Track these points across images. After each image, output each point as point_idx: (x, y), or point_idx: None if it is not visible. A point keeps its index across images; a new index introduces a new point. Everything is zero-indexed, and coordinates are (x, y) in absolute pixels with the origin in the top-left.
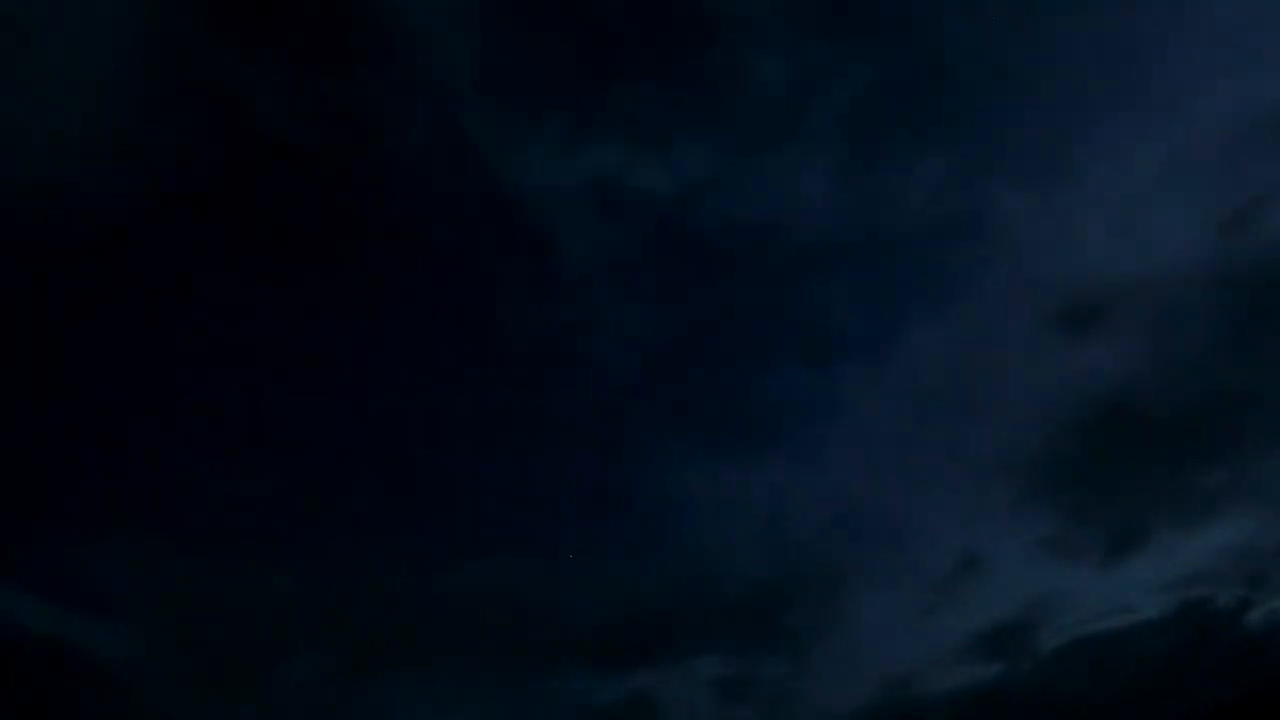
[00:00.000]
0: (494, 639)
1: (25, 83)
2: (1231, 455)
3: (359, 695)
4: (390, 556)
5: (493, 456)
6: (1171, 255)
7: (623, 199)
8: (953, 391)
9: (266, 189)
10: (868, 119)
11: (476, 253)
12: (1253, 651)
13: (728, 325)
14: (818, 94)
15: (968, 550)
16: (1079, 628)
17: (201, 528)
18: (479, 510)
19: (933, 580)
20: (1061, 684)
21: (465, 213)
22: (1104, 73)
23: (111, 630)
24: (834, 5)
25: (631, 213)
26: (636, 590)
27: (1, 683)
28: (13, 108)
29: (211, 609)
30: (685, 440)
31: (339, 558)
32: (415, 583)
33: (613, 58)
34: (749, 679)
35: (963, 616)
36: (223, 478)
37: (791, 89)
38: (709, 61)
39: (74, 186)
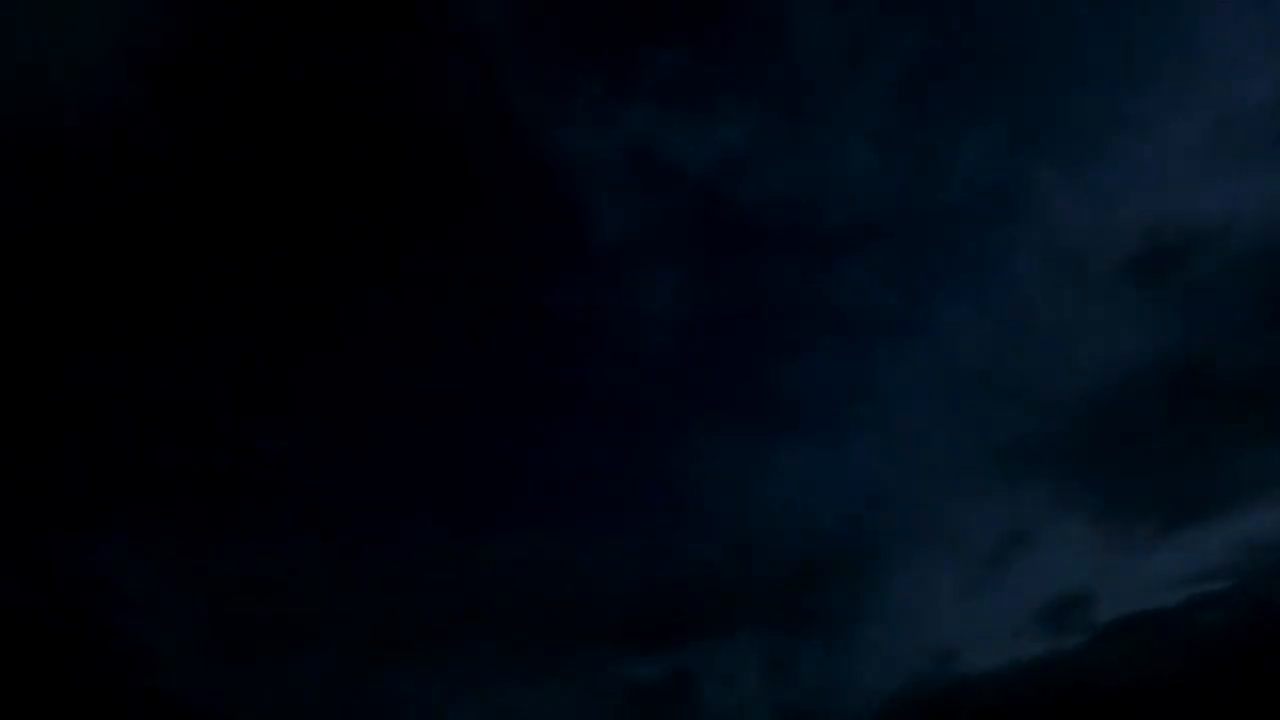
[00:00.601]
0: (530, 618)
1: None
2: None
3: (397, 672)
4: (426, 534)
5: (524, 431)
6: (1214, 226)
7: (659, 169)
8: (993, 368)
9: (295, 154)
10: (915, 90)
11: (513, 220)
12: None
13: (763, 302)
14: (866, 63)
15: (1013, 527)
16: (1131, 604)
17: (234, 508)
18: (512, 488)
19: (977, 557)
20: (1113, 661)
21: (502, 179)
22: (1147, 50)
23: (141, 613)
24: None
25: (668, 184)
26: (676, 570)
27: (31, 665)
28: None
29: (245, 591)
30: (721, 419)
31: (374, 536)
32: (450, 561)
33: (653, 19)
34: (789, 658)
35: (1008, 594)
36: (252, 454)
37: (839, 57)
38: (753, 26)
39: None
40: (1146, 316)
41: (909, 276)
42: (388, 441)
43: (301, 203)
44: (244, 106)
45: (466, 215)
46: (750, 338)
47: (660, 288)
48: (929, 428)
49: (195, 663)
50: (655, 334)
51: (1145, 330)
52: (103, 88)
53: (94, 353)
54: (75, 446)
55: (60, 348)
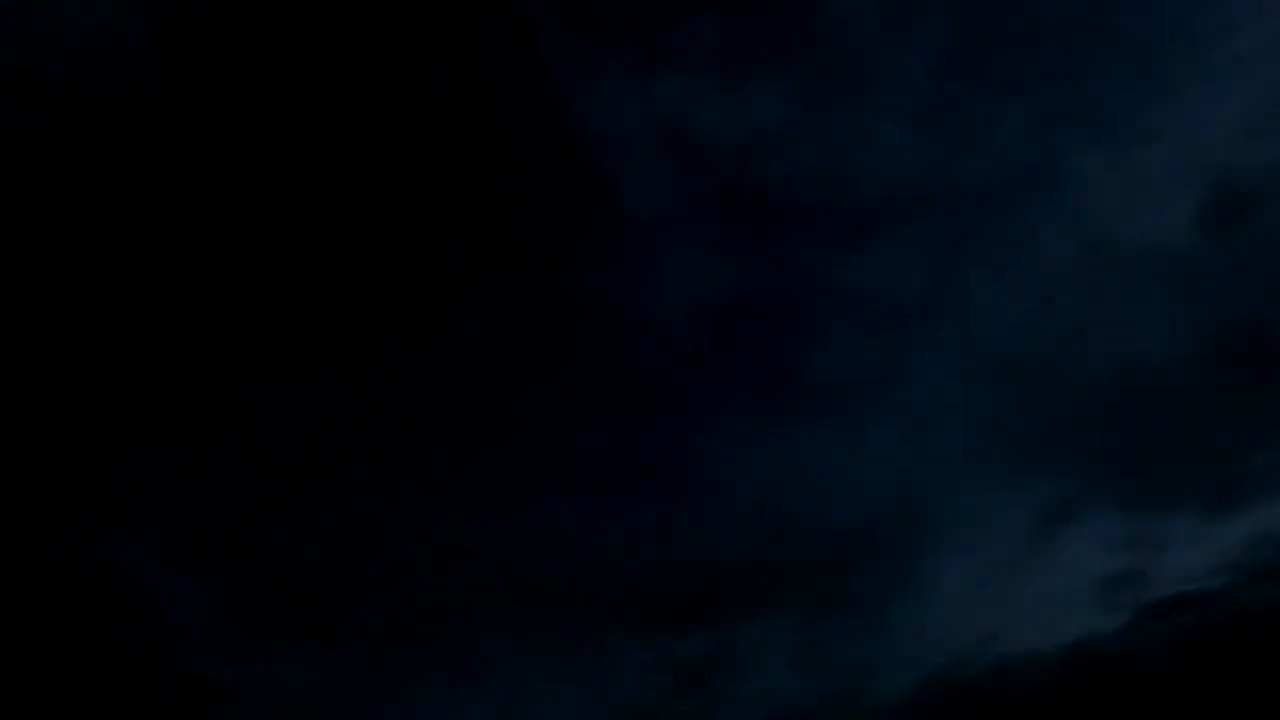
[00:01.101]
0: (557, 598)
1: None
2: None
3: (427, 649)
4: (455, 513)
5: (551, 410)
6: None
7: (691, 143)
8: (1026, 349)
9: (322, 121)
10: (956, 64)
11: (540, 194)
12: None
13: (793, 283)
14: (903, 37)
15: (1050, 508)
16: (1176, 585)
17: (259, 474)
18: (538, 467)
19: (1013, 540)
20: (1155, 642)
21: (532, 150)
22: (1187, 30)
23: (172, 583)
24: None
25: (699, 159)
26: (709, 551)
27: (60, 625)
28: None
29: (271, 561)
30: (750, 400)
31: (401, 514)
32: (478, 540)
33: None
34: (827, 638)
35: (1046, 575)
36: (270, 436)
37: (875, 31)
38: None
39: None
40: (1186, 296)
41: (941, 257)
42: (411, 418)
43: (326, 172)
44: (271, 81)
45: (492, 187)
46: (779, 319)
47: (689, 267)
48: (962, 410)
49: (213, 645)
50: (682, 314)
51: (1184, 312)
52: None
53: (101, 343)
54: (90, 441)
55: (65, 341)
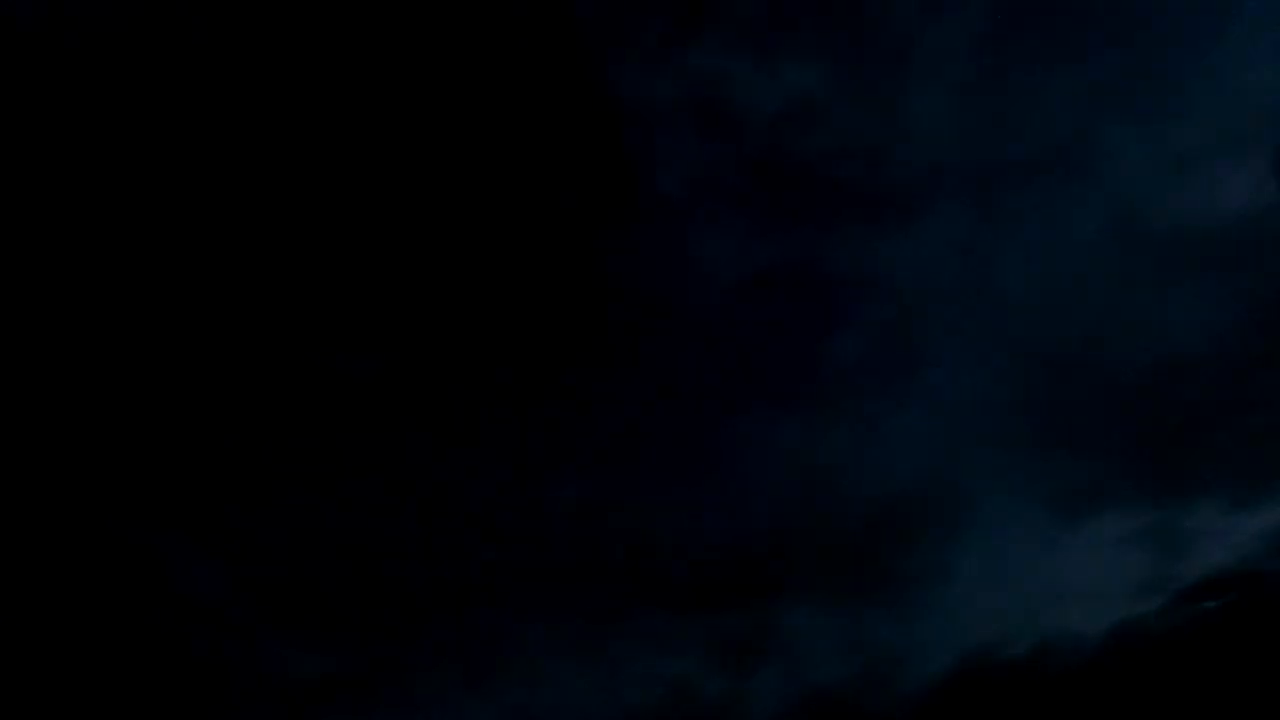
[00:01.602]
0: (588, 576)
1: None
2: None
3: (447, 631)
4: (484, 488)
5: (572, 381)
6: None
7: (722, 115)
8: (1057, 332)
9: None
10: (999, 34)
11: (567, 166)
12: None
13: (823, 263)
14: (944, 7)
15: (1083, 489)
16: (1213, 565)
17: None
18: (565, 445)
19: (1046, 524)
20: (1194, 623)
21: (561, 118)
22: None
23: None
24: None
25: (730, 132)
26: (735, 531)
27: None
28: None
29: (286, 539)
30: (780, 380)
31: (426, 483)
32: (498, 517)
33: None
34: (857, 621)
35: (1080, 558)
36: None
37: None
38: None
39: None
40: (1224, 279)
41: (973, 236)
42: (434, 393)
43: (351, 135)
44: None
45: (517, 159)
46: (808, 298)
47: (718, 245)
48: (990, 392)
49: (226, 627)
50: (711, 290)
51: (1214, 302)
52: None
53: (119, 347)
54: (120, 435)
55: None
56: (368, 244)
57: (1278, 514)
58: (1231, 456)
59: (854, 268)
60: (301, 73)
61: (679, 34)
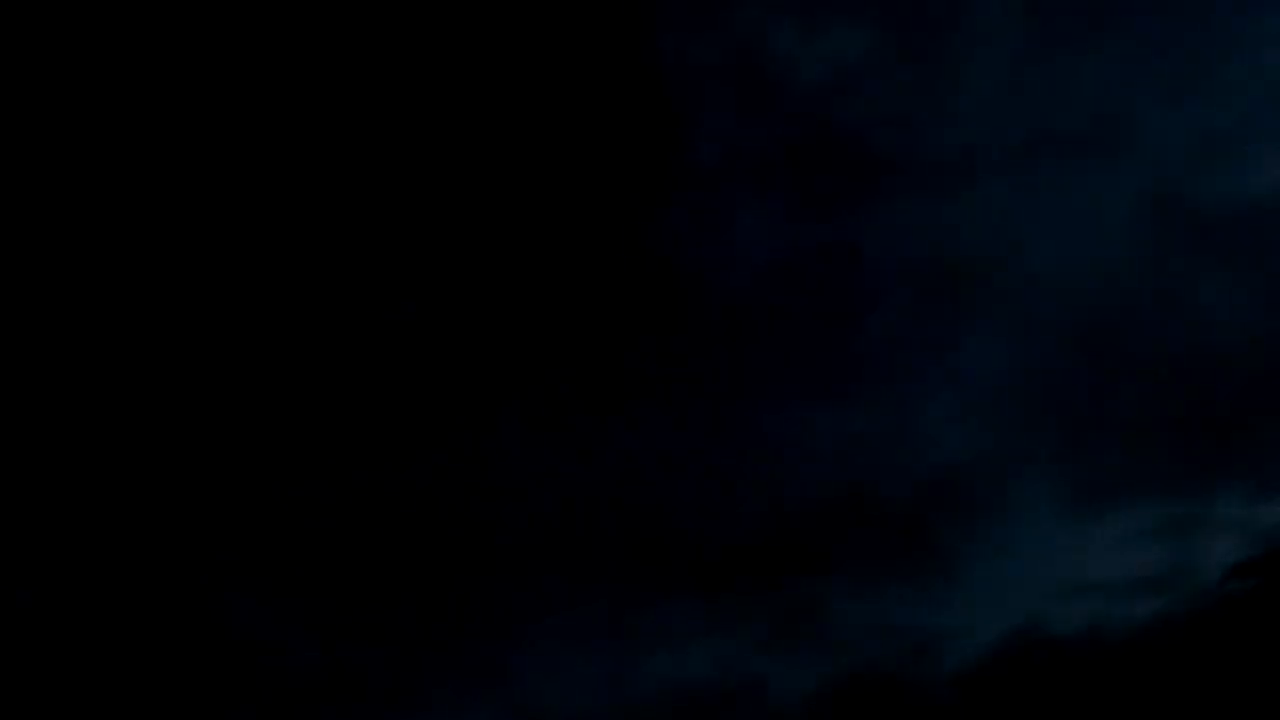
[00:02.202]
0: (614, 557)
1: None
2: None
3: (479, 607)
4: (508, 462)
5: (601, 354)
6: None
7: (764, 83)
8: (1090, 318)
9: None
10: (1049, 7)
11: (605, 134)
12: None
13: (858, 241)
14: None
15: (1113, 473)
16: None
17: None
18: (596, 418)
19: (1082, 505)
20: (1249, 603)
21: (599, 84)
22: None
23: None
24: None
25: (772, 101)
26: (767, 511)
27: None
28: None
29: (312, 518)
30: (807, 358)
31: (448, 456)
32: (526, 494)
33: None
34: (890, 604)
35: (1109, 545)
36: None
37: None
38: None
39: None
40: (1251, 272)
41: (1009, 216)
42: (460, 368)
43: (402, 103)
44: None
45: (553, 124)
46: (844, 276)
47: (753, 221)
48: (1022, 376)
49: (253, 609)
50: (748, 267)
51: (1247, 287)
52: None
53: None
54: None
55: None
56: (393, 214)
57: None
58: (1263, 444)
59: (891, 247)
60: (349, 34)
61: None
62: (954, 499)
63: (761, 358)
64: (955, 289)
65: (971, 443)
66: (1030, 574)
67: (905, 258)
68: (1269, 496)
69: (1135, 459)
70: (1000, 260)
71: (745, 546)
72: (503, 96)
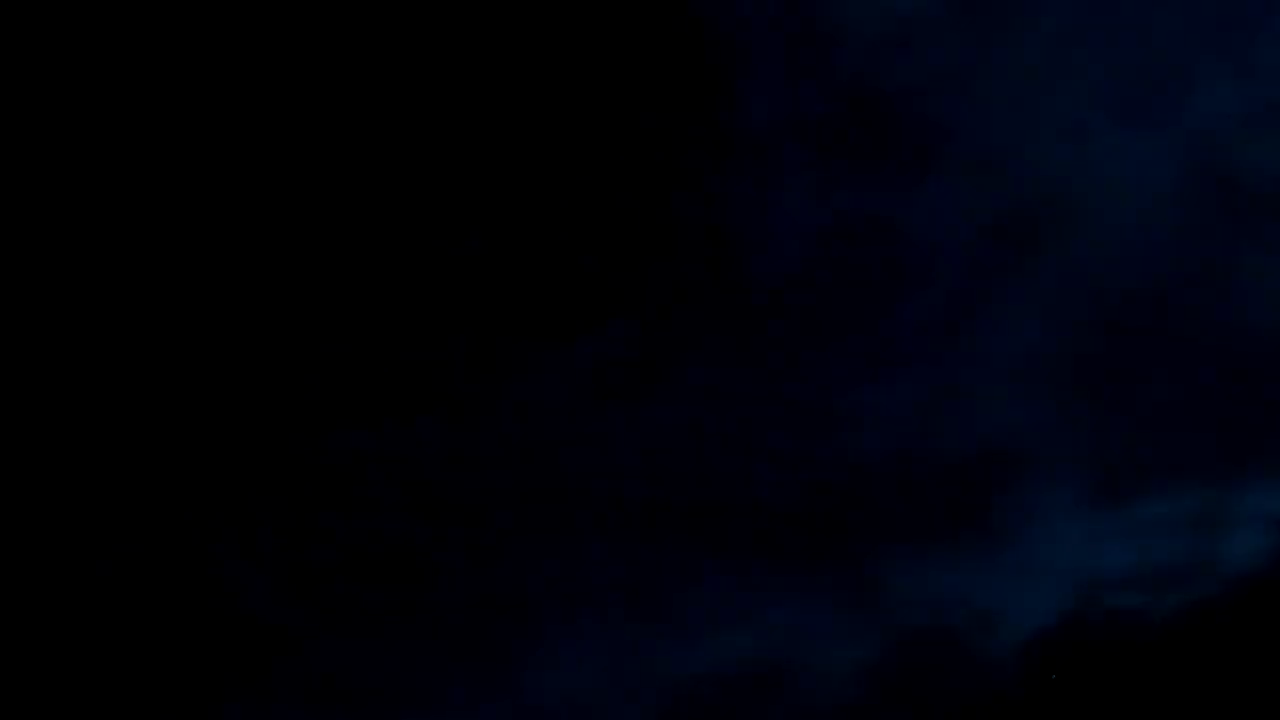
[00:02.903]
0: (663, 523)
1: None
2: None
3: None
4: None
5: (645, 321)
6: None
7: (815, 40)
8: (1131, 295)
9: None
10: None
11: (651, 93)
12: None
13: (908, 211)
14: None
15: (1138, 457)
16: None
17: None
18: (631, 377)
19: (1107, 487)
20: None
21: (643, 42)
22: None
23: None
24: None
25: (823, 60)
26: (809, 480)
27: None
28: None
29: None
30: (848, 334)
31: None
32: (564, 456)
33: None
34: (943, 576)
35: (1134, 534)
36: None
37: None
38: None
39: None
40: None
41: (1063, 186)
42: (500, 336)
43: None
44: None
45: (595, 85)
46: (891, 246)
47: (798, 189)
48: (1056, 353)
49: (271, 587)
50: (782, 244)
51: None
52: None
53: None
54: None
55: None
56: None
57: None
58: None
59: (940, 215)
60: None
61: None
62: (997, 474)
63: (809, 325)
64: (1004, 259)
65: (1012, 418)
66: (1065, 557)
67: (954, 225)
68: None
69: (1169, 444)
70: (1050, 230)
71: (792, 514)
72: (548, 47)
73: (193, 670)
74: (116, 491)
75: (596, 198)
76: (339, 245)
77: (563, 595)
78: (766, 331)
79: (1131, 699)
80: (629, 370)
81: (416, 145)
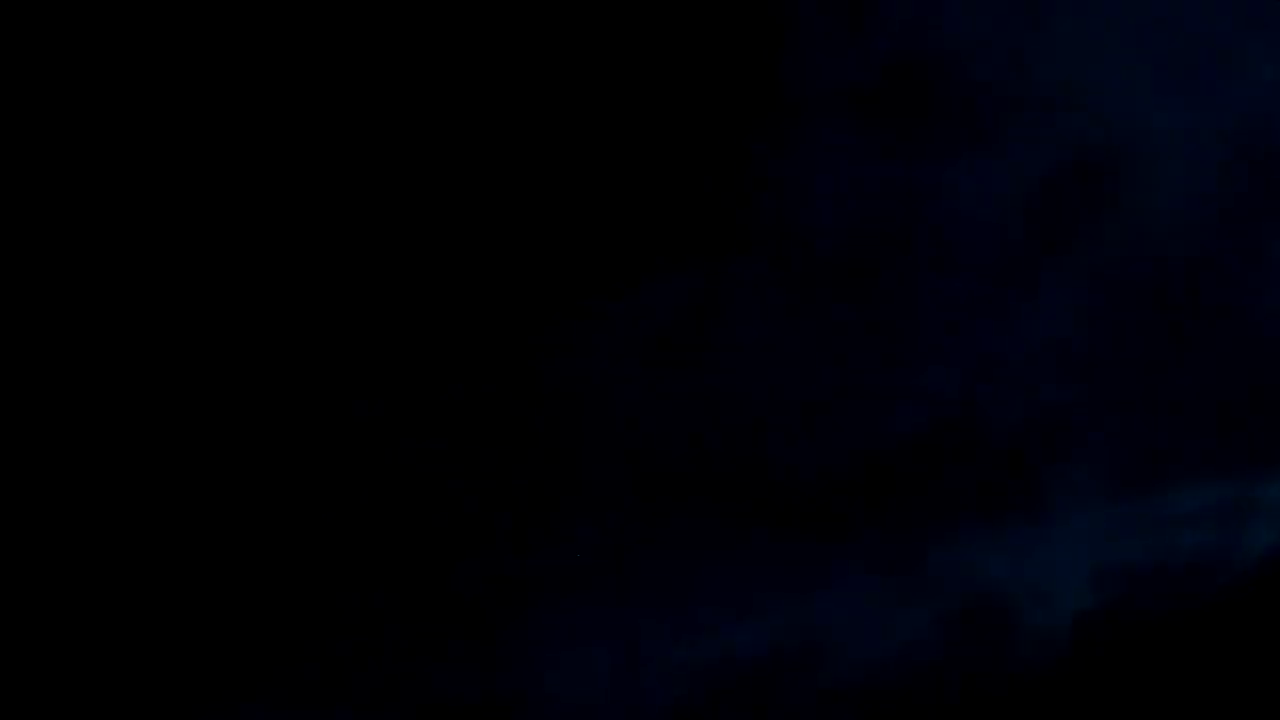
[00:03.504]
0: (688, 491)
1: None
2: None
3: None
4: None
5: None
6: None
7: (864, 2)
8: (1163, 278)
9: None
10: None
11: (699, 50)
12: None
13: (952, 180)
14: None
15: (1163, 446)
16: None
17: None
18: (665, 359)
19: (1141, 473)
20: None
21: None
22: None
23: None
24: None
25: (874, 22)
26: (845, 455)
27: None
28: None
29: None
30: (879, 313)
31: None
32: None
33: None
34: (985, 553)
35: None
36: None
37: None
38: None
39: None
40: None
41: (1105, 158)
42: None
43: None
44: None
45: (631, 53)
46: (934, 217)
47: (841, 162)
48: (1087, 337)
49: None
50: (838, 204)
51: None
52: None
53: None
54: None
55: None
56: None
57: None
58: None
59: (983, 185)
60: None
61: None
62: (1039, 453)
63: (851, 294)
64: (1048, 233)
65: (1058, 397)
66: (1092, 544)
67: (998, 195)
68: None
69: (1199, 432)
70: (1094, 205)
71: (834, 486)
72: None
73: (193, 670)
74: (115, 502)
75: (642, 156)
76: (377, 180)
77: (595, 570)
78: (812, 298)
79: (1156, 690)
80: (678, 329)
81: (461, 98)
